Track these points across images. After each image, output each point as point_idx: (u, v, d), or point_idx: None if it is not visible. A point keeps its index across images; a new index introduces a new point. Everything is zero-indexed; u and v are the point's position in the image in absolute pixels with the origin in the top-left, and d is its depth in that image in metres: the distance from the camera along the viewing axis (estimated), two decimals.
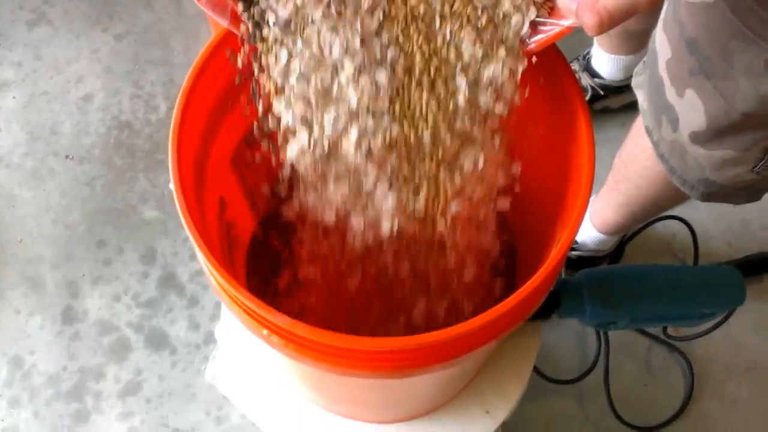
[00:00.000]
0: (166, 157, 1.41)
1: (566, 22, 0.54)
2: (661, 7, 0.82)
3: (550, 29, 0.56)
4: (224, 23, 0.57)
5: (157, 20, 1.56)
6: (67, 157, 1.41)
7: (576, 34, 0.55)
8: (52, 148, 1.42)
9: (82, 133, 1.43)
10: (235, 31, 0.57)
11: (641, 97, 0.89)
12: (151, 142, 1.42)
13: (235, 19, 0.57)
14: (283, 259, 0.78)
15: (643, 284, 0.80)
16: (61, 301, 1.28)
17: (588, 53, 1.39)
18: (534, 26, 0.57)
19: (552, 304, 0.79)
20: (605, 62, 1.35)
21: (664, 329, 1.24)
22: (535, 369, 1.16)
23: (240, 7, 0.56)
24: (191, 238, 0.55)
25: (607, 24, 0.48)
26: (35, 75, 1.49)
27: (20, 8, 1.56)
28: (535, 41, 0.57)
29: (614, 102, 1.40)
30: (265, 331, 0.55)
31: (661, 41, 0.80)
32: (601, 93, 1.38)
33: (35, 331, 1.26)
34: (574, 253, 1.26)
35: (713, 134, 0.78)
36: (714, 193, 0.88)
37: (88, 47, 1.52)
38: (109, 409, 1.21)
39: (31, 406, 1.21)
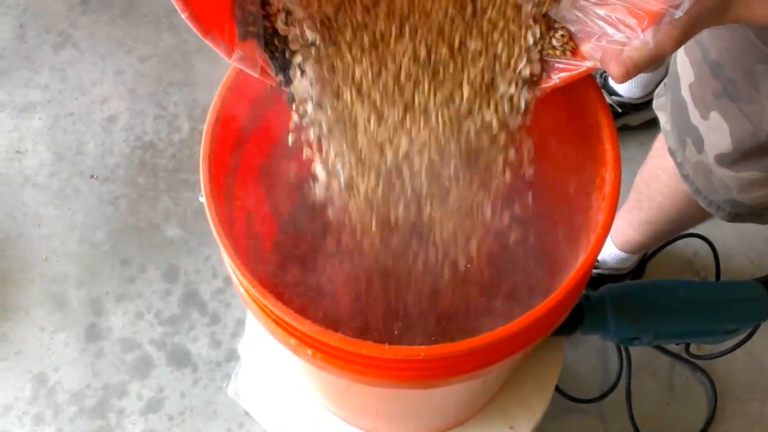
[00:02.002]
0: (188, 177, 1.44)
1: (588, 64, 0.55)
2: None
3: (575, 68, 0.57)
4: (255, 75, 0.59)
5: (180, 42, 1.58)
6: (91, 176, 1.43)
7: None
8: (77, 168, 1.44)
9: (106, 153, 1.45)
10: (265, 80, 0.60)
11: (663, 118, 0.90)
12: (174, 162, 1.44)
13: (264, 71, 0.60)
14: (305, 269, 0.79)
15: (666, 299, 0.80)
16: (85, 319, 1.30)
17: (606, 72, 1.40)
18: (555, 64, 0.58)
19: (575, 320, 0.79)
20: None
21: (687, 348, 1.24)
22: (557, 388, 1.15)
23: (273, 69, 0.59)
24: (221, 246, 0.56)
25: (633, 73, 0.49)
26: (61, 96, 1.52)
27: (47, 32, 1.59)
28: (560, 78, 0.58)
29: (634, 119, 1.41)
30: (293, 341, 0.56)
31: (683, 64, 0.81)
32: (620, 110, 1.39)
33: (59, 348, 1.27)
34: (595, 271, 1.26)
35: (739, 156, 0.78)
36: (741, 214, 0.88)
37: (113, 69, 1.55)
38: (131, 426, 1.21)
39: (55, 423, 1.22)
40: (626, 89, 1.37)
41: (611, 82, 1.39)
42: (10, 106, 1.50)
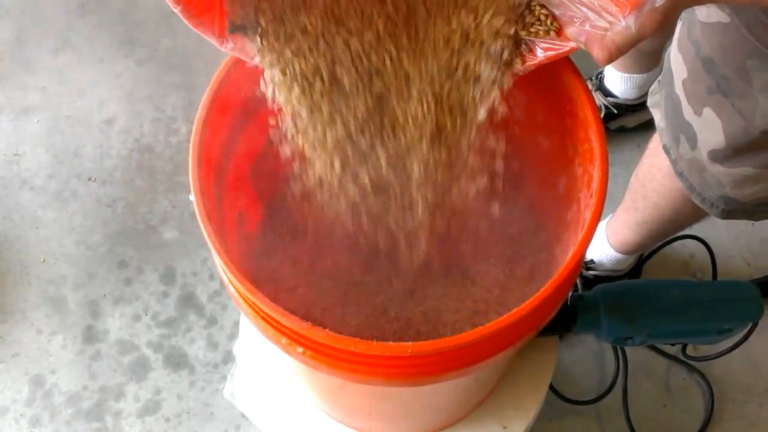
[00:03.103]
0: (186, 179, 1.43)
1: (572, 44, 0.56)
2: (669, 30, 0.83)
3: (559, 48, 0.57)
4: (248, 60, 0.61)
5: (178, 45, 1.59)
6: (89, 179, 1.43)
7: (588, 55, 0.57)
8: (75, 170, 1.44)
9: (104, 156, 1.46)
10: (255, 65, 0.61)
11: (658, 116, 0.90)
12: (171, 164, 1.45)
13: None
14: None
15: (659, 299, 0.80)
16: (82, 321, 1.30)
17: (601, 73, 1.40)
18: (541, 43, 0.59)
19: (569, 319, 0.79)
20: (618, 81, 1.36)
21: (683, 349, 1.24)
22: (554, 390, 1.15)
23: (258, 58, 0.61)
24: (210, 245, 0.56)
25: (615, 56, 0.51)
26: (59, 99, 1.52)
27: (45, 35, 1.60)
28: (545, 56, 0.59)
29: (630, 121, 1.41)
30: (284, 339, 0.56)
31: (676, 61, 0.81)
32: (615, 112, 1.39)
33: (57, 350, 1.28)
34: (591, 272, 1.26)
35: (732, 152, 0.78)
36: (734, 211, 0.88)
37: (111, 72, 1.55)
38: (128, 428, 1.21)
39: (52, 425, 1.22)
40: (622, 90, 1.37)
41: (607, 83, 1.39)
42: (8, 109, 1.51)
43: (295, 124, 0.62)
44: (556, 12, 0.55)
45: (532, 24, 0.57)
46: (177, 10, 0.53)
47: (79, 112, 1.51)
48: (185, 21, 0.54)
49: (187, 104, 1.51)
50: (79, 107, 1.51)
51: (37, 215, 1.40)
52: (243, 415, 1.15)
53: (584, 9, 0.50)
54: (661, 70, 0.89)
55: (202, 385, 1.25)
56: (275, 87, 0.61)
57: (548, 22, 0.56)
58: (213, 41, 0.58)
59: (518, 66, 0.60)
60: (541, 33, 0.57)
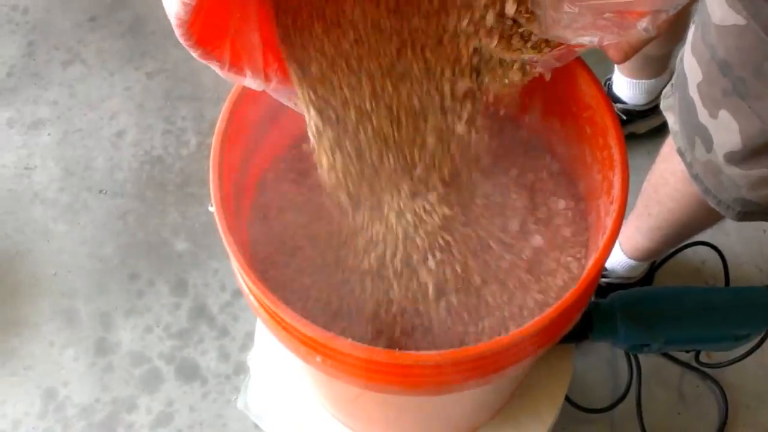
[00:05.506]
0: (196, 191, 1.44)
1: (581, 49, 0.56)
2: (678, 35, 0.83)
3: (570, 54, 0.58)
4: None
5: (188, 57, 1.57)
6: (100, 191, 1.44)
7: (596, 62, 0.57)
8: (86, 183, 1.45)
9: (115, 168, 1.46)
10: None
11: (671, 119, 0.90)
12: (182, 176, 1.45)
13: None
14: None
15: (676, 305, 0.80)
16: (94, 333, 1.30)
17: (609, 79, 1.40)
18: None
19: (585, 326, 0.79)
20: (627, 87, 1.36)
21: (697, 356, 1.23)
22: (567, 398, 1.15)
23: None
24: (231, 256, 0.56)
25: (631, 55, 0.53)
26: (70, 113, 1.53)
27: (55, 49, 1.61)
28: (558, 62, 0.59)
29: (640, 127, 1.40)
30: (303, 348, 0.56)
31: (690, 64, 0.81)
32: (624, 118, 1.38)
33: (69, 363, 1.28)
34: (603, 280, 1.25)
35: (749, 153, 0.78)
36: (750, 213, 0.88)
37: (121, 85, 1.56)
38: None
39: None
40: (630, 96, 1.36)
41: (615, 90, 1.39)
42: (19, 123, 1.52)
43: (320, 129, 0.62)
44: (570, 43, 0.55)
45: (541, 46, 0.57)
46: (195, 54, 0.53)
47: (90, 125, 1.51)
48: (215, 68, 0.54)
49: (197, 116, 1.52)
50: (89, 120, 1.52)
51: (49, 228, 1.40)
52: (256, 426, 1.15)
53: (598, 32, 0.50)
54: (669, 76, 0.89)
55: (214, 397, 1.24)
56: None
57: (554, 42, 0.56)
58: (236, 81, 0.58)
59: (521, 75, 0.60)
60: (546, 51, 0.57)
